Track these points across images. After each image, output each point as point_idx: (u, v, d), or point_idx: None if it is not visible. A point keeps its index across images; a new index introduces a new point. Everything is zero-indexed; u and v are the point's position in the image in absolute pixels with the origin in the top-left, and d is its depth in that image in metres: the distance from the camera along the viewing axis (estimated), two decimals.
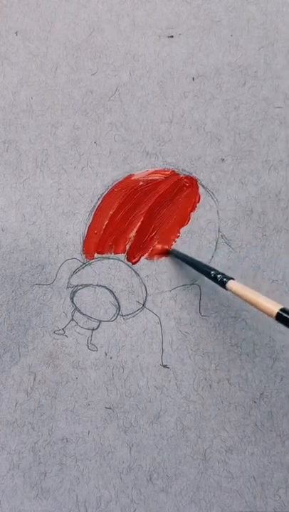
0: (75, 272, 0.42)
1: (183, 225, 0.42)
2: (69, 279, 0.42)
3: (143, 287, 0.42)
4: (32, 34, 0.42)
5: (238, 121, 0.42)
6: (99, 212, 0.42)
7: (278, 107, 0.42)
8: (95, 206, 0.42)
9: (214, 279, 0.36)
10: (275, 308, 0.30)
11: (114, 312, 0.42)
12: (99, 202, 0.42)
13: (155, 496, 0.41)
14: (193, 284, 0.42)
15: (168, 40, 0.42)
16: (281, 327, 0.41)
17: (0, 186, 0.42)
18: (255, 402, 0.41)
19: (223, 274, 0.36)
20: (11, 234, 0.42)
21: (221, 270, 0.41)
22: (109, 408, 0.41)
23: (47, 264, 0.42)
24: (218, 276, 0.36)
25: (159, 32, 0.42)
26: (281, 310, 0.30)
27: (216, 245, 0.42)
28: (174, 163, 0.42)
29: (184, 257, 0.40)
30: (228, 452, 0.41)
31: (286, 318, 0.29)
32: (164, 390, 0.41)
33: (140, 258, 0.42)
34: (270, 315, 0.31)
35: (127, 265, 0.42)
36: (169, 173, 0.42)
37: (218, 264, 0.41)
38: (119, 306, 0.42)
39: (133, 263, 0.42)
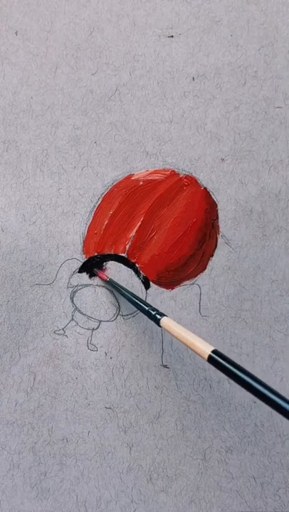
0: (75, 272, 0.42)
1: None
2: (69, 279, 0.42)
3: (143, 287, 0.42)
4: (32, 34, 0.42)
5: (238, 121, 0.42)
6: (99, 212, 0.42)
7: (278, 107, 0.42)
8: (95, 206, 0.42)
9: (148, 314, 0.36)
10: (207, 349, 0.30)
11: (115, 312, 0.42)
12: (99, 202, 0.42)
13: (155, 496, 0.41)
14: (193, 284, 0.42)
15: (168, 40, 0.42)
16: (281, 327, 0.41)
17: (0, 186, 0.42)
18: (255, 402, 0.41)
19: (157, 311, 0.36)
20: (11, 234, 0.42)
21: (220, 270, 0.42)
22: (109, 408, 0.41)
23: (47, 264, 0.42)
24: (153, 312, 0.36)
25: (159, 32, 0.42)
26: (213, 352, 0.29)
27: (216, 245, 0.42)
28: (173, 163, 0.42)
29: (120, 289, 0.40)
30: (228, 452, 0.41)
31: (217, 360, 0.29)
32: (164, 390, 0.41)
33: (140, 258, 0.42)
34: (202, 356, 0.30)
35: (127, 265, 0.42)
36: (168, 173, 0.42)
37: (218, 264, 0.41)
38: (119, 306, 0.42)
39: (133, 263, 0.42)
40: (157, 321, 0.35)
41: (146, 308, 0.36)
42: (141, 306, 0.37)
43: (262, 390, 0.28)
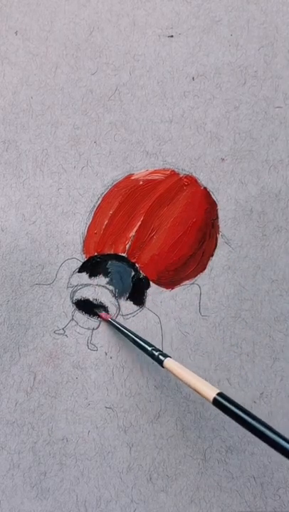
0: (74, 272, 0.42)
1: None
2: (69, 278, 0.42)
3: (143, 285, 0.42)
4: (32, 34, 0.42)
5: (238, 120, 0.42)
6: (99, 211, 0.42)
7: (278, 107, 0.42)
8: (94, 206, 0.42)
9: (151, 355, 0.36)
10: (212, 392, 0.29)
11: (114, 312, 0.42)
12: (99, 201, 0.42)
13: (155, 496, 0.41)
14: (193, 283, 0.42)
15: (168, 39, 0.42)
16: (281, 327, 0.41)
17: (0, 186, 0.42)
18: (255, 402, 0.41)
19: (160, 351, 0.36)
20: (10, 234, 0.42)
21: (220, 270, 0.41)
22: (110, 408, 0.41)
23: (47, 264, 0.42)
24: (156, 353, 0.35)
25: (159, 31, 0.42)
26: (218, 395, 0.29)
27: (216, 245, 0.42)
28: (173, 163, 0.42)
29: (121, 328, 0.40)
30: (228, 452, 0.41)
31: (222, 403, 0.28)
32: (164, 389, 0.41)
33: (140, 258, 0.42)
34: (206, 399, 0.29)
35: (127, 265, 0.42)
36: (168, 172, 0.42)
37: (218, 263, 0.41)
38: (119, 306, 0.42)
39: (133, 262, 0.42)
40: (160, 362, 0.35)
41: (149, 348, 0.36)
42: (144, 346, 0.37)
43: (266, 433, 0.27)
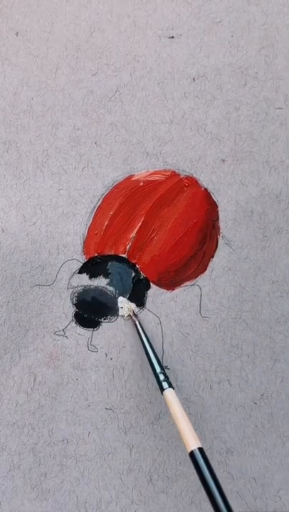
0: (75, 273, 0.42)
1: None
2: (69, 279, 0.42)
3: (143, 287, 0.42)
4: (32, 35, 0.42)
5: (239, 122, 0.42)
6: (99, 212, 0.42)
7: (279, 108, 0.42)
8: (95, 207, 0.42)
9: (157, 377, 0.36)
10: (193, 444, 0.29)
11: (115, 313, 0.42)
12: (99, 202, 0.42)
13: (155, 497, 0.41)
14: (193, 285, 0.42)
15: (168, 40, 0.42)
16: (282, 328, 0.41)
17: (0, 187, 0.42)
18: (256, 403, 0.41)
19: (166, 379, 0.36)
20: (11, 235, 0.42)
21: (221, 271, 0.41)
22: (110, 409, 0.41)
23: (47, 265, 0.42)
24: (162, 378, 0.36)
25: (160, 32, 0.42)
26: (199, 449, 0.29)
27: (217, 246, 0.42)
28: (174, 164, 0.42)
29: (141, 331, 0.40)
30: (229, 453, 0.41)
31: (197, 459, 0.29)
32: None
33: (140, 258, 0.42)
34: (186, 446, 0.30)
35: (128, 266, 0.42)
36: (169, 173, 0.42)
37: (218, 265, 0.41)
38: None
39: (134, 263, 0.42)
40: (162, 389, 0.35)
41: (158, 370, 0.37)
42: (154, 366, 0.37)
43: (219, 503, 0.27)
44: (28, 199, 0.42)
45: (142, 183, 0.42)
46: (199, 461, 0.29)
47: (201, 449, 0.29)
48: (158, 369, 0.37)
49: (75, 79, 0.42)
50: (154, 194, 0.42)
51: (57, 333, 0.42)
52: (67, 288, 0.42)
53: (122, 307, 0.41)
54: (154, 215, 0.42)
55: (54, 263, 0.42)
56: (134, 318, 0.41)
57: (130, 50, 0.42)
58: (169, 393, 0.35)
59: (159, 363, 0.38)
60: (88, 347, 0.42)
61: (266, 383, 0.41)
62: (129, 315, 0.41)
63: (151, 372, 0.37)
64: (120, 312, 0.41)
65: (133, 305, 0.41)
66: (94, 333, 0.42)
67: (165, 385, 0.35)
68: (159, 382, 0.36)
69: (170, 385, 0.35)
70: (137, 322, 0.40)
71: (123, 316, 0.41)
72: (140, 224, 0.42)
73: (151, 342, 0.41)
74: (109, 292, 0.42)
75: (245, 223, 0.42)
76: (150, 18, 0.42)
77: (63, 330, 0.42)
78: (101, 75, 0.42)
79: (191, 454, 0.29)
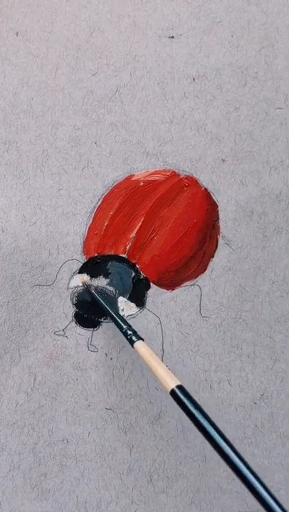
0: (75, 273, 0.42)
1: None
2: (69, 280, 0.42)
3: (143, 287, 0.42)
4: (32, 35, 0.42)
5: (239, 121, 0.42)
6: (99, 212, 0.42)
7: (279, 108, 0.42)
8: (95, 207, 0.42)
9: (124, 334, 0.37)
10: (171, 383, 0.30)
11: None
12: (99, 202, 0.42)
13: (155, 497, 0.41)
14: (193, 284, 0.42)
15: (168, 40, 0.42)
16: (282, 328, 0.41)
17: (0, 187, 0.42)
18: (256, 403, 0.41)
19: (134, 332, 0.36)
20: (11, 235, 0.42)
21: (221, 271, 0.41)
22: (110, 409, 0.41)
23: (47, 265, 0.42)
24: (129, 333, 0.36)
25: (160, 32, 0.42)
26: (177, 387, 0.29)
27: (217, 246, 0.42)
28: (174, 164, 0.42)
29: (99, 296, 0.40)
30: None
31: (178, 397, 0.29)
32: (165, 391, 0.41)
33: (140, 258, 0.42)
34: (165, 389, 0.30)
35: (128, 266, 0.42)
36: (169, 173, 0.42)
37: (218, 265, 0.41)
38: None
39: (134, 263, 0.42)
40: (132, 342, 0.36)
41: (124, 327, 0.37)
42: (119, 324, 0.37)
43: (212, 434, 0.27)
44: (28, 199, 0.42)
45: (141, 183, 0.42)
46: (181, 397, 0.29)
47: (180, 386, 0.29)
48: (124, 326, 0.37)
49: (75, 79, 0.42)
50: (154, 194, 0.42)
51: (57, 333, 0.42)
52: (67, 288, 0.42)
53: (121, 302, 0.42)
54: (154, 215, 0.42)
55: (54, 263, 0.42)
56: (89, 288, 0.41)
57: (130, 50, 0.42)
58: (140, 345, 0.35)
59: (123, 320, 0.38)
60: (88, 347, 0.42)
61: (266, 383, 0.41)
62: (82, 285, 0.41)
63: (130, 345, 0.37)
64: (70, 284, 0.41)
65: (85, 276, 0.41)
66: (94, 333, 0.42)
67: (134, 338, 0.36)
68: (128, 337, 0.36)
69: (139, 338, 0.36)
70: (92, 290, 0.41)
71: (73, 287, 0.41)
72: (140, 224, 0.42)
73: (151, 342, 0.41)
74: (109, 292, 0.42)
75: (245, 223, 0.42)
76: (150, 18, 0.42)
77: (63, 330, 0.42)
78: (101, 75, 0.42)
79: (172, 393, 0.29)
